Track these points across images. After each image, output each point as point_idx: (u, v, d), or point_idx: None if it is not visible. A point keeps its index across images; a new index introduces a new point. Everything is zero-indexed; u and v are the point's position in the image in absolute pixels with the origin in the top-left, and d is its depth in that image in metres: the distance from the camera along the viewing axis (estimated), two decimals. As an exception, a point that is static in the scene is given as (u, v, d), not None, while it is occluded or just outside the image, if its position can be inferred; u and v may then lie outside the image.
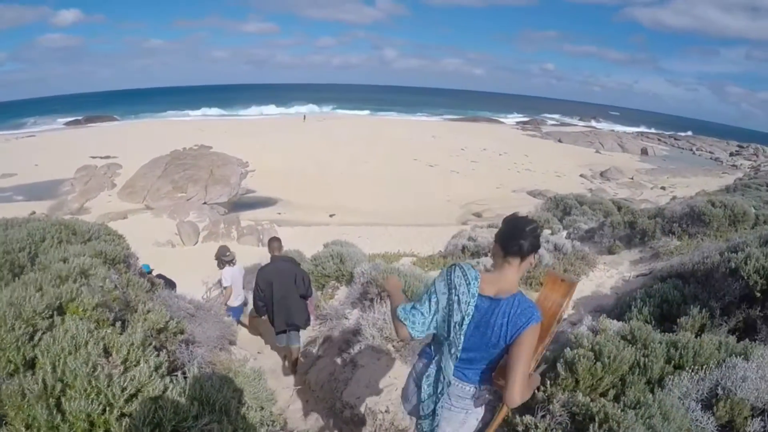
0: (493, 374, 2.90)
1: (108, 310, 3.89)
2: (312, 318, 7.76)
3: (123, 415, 2.88)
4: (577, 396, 3.93)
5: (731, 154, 75.92)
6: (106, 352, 3.24)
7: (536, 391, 4.14)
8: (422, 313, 2.88)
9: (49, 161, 47.34)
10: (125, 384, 2.98)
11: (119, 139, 59.74)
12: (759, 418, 3.65)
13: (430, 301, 2.89)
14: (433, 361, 3.01)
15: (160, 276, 8.07)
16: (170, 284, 8.52)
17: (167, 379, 3.26)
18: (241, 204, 37.38)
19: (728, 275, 6.18)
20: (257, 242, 26.72)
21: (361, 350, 6.35)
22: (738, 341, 4.57)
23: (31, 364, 3.16)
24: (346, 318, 7.65)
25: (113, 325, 3.66)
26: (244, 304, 9.74)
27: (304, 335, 8.22)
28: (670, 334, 4.77)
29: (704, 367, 4.12)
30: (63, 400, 2.78)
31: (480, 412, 3.02)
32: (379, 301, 7.14)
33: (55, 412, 2.73)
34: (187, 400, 3.06)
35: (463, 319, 2.79)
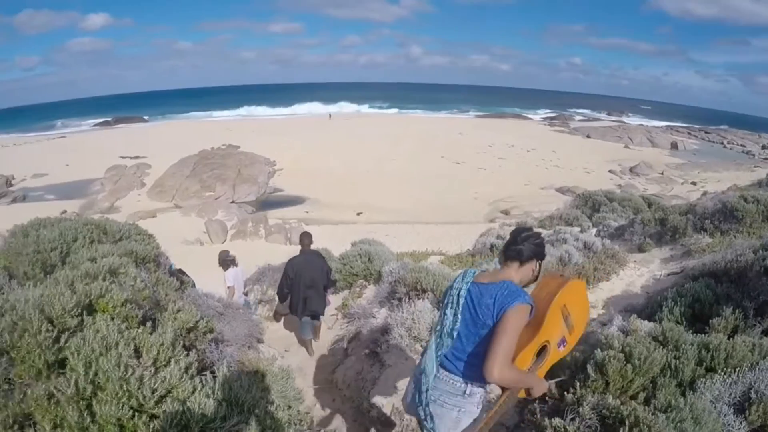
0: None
1: (137, 307, 3.93)
2: (329, 305, 8.37)
3: (152, 417, 2.90)
4: (607, 398, 3.86)
5: (763, 147, 73.80)
6: (137, 353, 3.26)
7: (566, 393, 4.11)
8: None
9: (80, 161, 48.20)
10: (156, 386, 3.00)
11: (148, 140, 60.57)
12: (794, 424, 3.58)
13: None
14: (429, 347, 3.10)
15: (180, 271, 8.16)
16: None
17: (197, 380, 3.28)
18: (268, 203, 37.63)
19: (762, 274, 6.05)
20: (285, 240, 26.85)
21: (389, 349, 6.32)
22: (772, 343, 4.45)
23: (58, 366, 3.19)
24: (374, 317, 7.62)
25: (143, 324, 3.68)
26: (247, 304, 9.75)
27: (331, 334, 8.48)
28: (702, 335, 4.66)
29: (737, 369, 4.03)
30: (94, 402, 2.80)
31: (475, 412, 3.01)
32: (407, 300, 7.12)
33: (85, 414, 2.75)
34: (216, 401, 3.06)
35: (453, 303, 3.02)
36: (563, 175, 47.30)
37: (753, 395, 3.78)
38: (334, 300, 8.90)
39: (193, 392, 3.10)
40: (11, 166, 46.04)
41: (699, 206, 11.32)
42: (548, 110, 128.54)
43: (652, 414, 3.57)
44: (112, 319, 3.51)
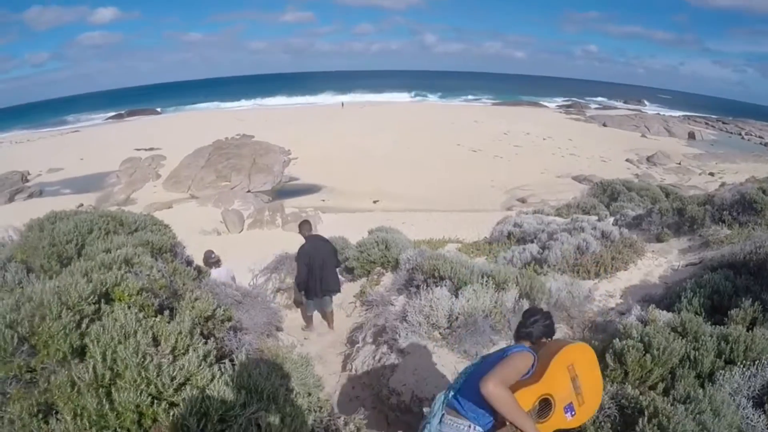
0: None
1: (153, 296, 3.92)
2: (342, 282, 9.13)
3: (171, 404, 2.89)
4: (626, 388, 3.85)
5: (782, 139, 73.19)
6: (155, 341, 3.26)
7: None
8: None
9: (95, 155, 48.52)
10: (174, 373, 2.99)
11: (162, 131, 60.83)
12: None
13: None
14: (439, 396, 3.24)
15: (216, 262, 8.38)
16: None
17: (215, 368, 3.27)
18: (284, 191, 37.71)
19: (782, 267, 6.01)
20: (302, 229, 26.89)
21: (408, 337, 6.29)
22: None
23: (79, 353, 3.19)
24: (393, 304, 7.61)
25: (161, 313, 3.67)
26: None
27: (350, 321, 8.55)
28: (721, 326, 4.63)
29: (756, 362, 3.99)
30: (113, 390, 2.80)
31: None
32: (425, 287, 7.09)
33: (104, 401, 2.75)
34: (235, 389, 3.05)
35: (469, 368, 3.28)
36: (580, 163, 46.99)
37: (772, 389, 3.74)
38: (351, 287, 9.40)
39: (212, 380, 3.09)
40: (26, 161, 46.51)
41: (717, 197, 11.21)
42: (564, 98, 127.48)
43: (671, 405, 3.55)
44: (129, 307, 3.50)
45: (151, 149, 49.75)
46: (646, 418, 3.45)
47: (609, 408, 3.76)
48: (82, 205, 27.34)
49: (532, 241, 11.26)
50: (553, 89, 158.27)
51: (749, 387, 3.86)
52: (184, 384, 3.00)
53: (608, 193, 19.52)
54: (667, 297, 6.58)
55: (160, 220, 6.94)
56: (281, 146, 48.69)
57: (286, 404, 3.22)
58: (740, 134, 76.87)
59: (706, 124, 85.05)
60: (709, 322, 4.88)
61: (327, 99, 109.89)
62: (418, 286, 7.39)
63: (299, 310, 8.82)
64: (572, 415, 3.00)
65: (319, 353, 7.27)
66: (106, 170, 42.66)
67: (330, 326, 8.59)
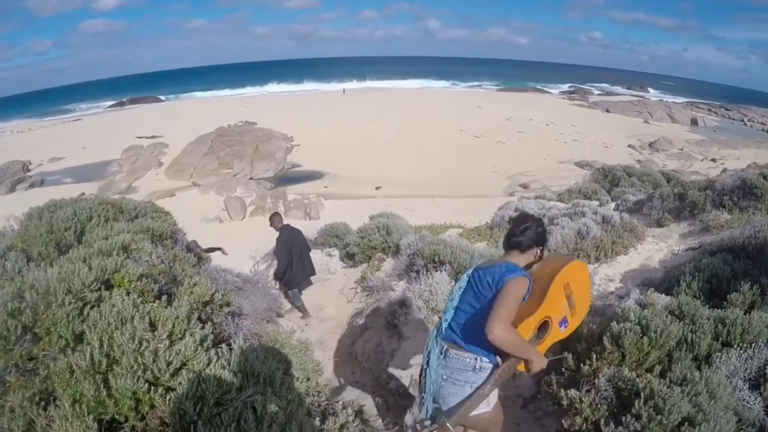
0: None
1: (153, 282, 3.93)
2: None
3: (168, 389, 2.91)
4: (623, 371, 3.86)
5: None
6: (152, 326, 3.27)
7: (582, 364, 4.10)
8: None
9: (96, 143, 48.55)
10: (171, 358, 3.00)
11: (164, 119, 60.76)
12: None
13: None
14: (431, 334, 3.32)
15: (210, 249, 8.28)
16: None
17: (212, 352, 3.28)
18: (287, 178, 37.74)
19: (781, 251, 6.02)
20: (304, 216, 27.03)
21: (408, 322, 6.33)
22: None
23: (80, 339, 3.21)
24: (393, 290, 7.63)
25: (159, 298, 3.68)
26: None
27: (350, 307, 8.50)
28: (719, 310, 4.63)
29: (753, 345, 4.01)
30: (110, 376, 2.81)
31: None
32: (425, 272, 7.12)
33: (102, 387, 2.77)
34: (231, 373, 3.06)
35: (458, 287, 3.22)
36: (582, 149, 46.92)
37: (768, 371, 3.75)
38: (352, 273, 9.85)
39: (208, 364, 3.10)
40: (28, 151, 46.59)
41: (718, 183, 11.19)
42: (567, 84, 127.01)
43: (668, 387, 3.56)
44: (128, 293, 3.51)
45: (153, 137, 49.70)
46: (642, 400, 3.46)
47: (606, 390, 3.78)
48: (83, 194, 27.33)
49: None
50: (556, 75, 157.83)
51: (746, 369, 3.88)
52: (180, 369, 3.01)
53: (610, 179, 19.52)
54: (666, 281, 6.59)
55: (160, 207, 6.95)
56: (284, 133, 48.67)
57: (283, 388, 3.23)
58: (743, 120, 76.63)
59: (709, 110, 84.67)
60: (708, 306, 4.89)
61: (330, 86, 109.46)
62: (418, 272, 7.41)
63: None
64: (565, 327, 3.19)
65: (319, 339, 7.29)
66: (107, 159, 42.68)
67: (306, 314, 8.70)
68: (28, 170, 41.83)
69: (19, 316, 3.16)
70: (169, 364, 2.97)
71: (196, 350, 3.16)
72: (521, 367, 3.03)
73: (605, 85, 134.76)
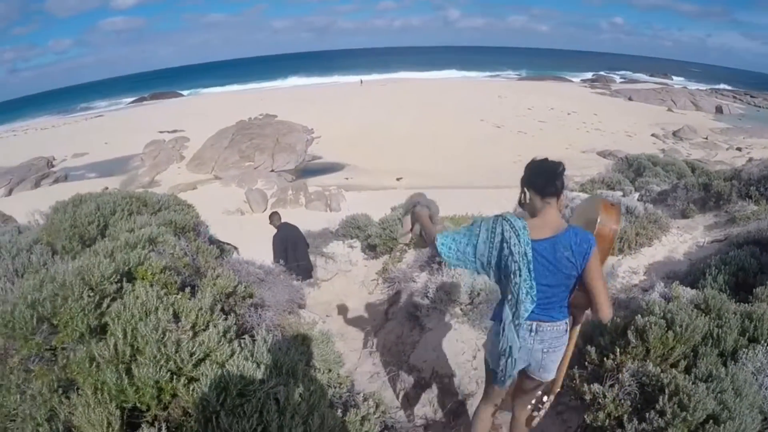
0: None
1: (176, 274, 3.96)
2: None
3: (191, 380, 2.93)
4: (647, 365, 3.81)
5: (813, 114, 71.23)
6: (176, 317, 3.30)
7: (606, 359, 4.07)
8: (456, 242, 3.09)
9: (118, 139, 49.10)
10: (194, 349, 3.03)
11: (184, 113, 61.29)
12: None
13: (469, 240, 3.07)
14: (505, 322, 3.03)
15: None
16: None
17: (235, 343, 3.30)
18: (308, 170, 37.85)
19: (809, 244, 5.90)
20: (325, 207, 27.10)
21: (429, 313, 6.31)
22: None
23: (99, 331, 3.24)
24: (414, 281, 7.61)
25: (182, 290, 3.71)
26: None
27: (372, 298, 8.59)
28: (746, 304, 4.54)
29: (780, 341, 3.93)
30: (133, 366, 2.84)
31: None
32: (447, 263, 7.10)
33: (123, 376, 2.79)
34: (254, 364, 3.07)
35: (520, 269, 2.87)
36: (604, 138, 46.36)
37: (796, 369, 3.69)
38: (373, 264, 9.95)
39: (231, 355, 3.12)
40: (51, 147, 47.30)
41: (744, 172, 10.95)
42: (589, 72, 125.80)
43: (693, 383, 3.50)
44: (151, 285, 3.54)
45: (175, 131, 50.10)
46: (666, 396, 3.42)
47: (629, 385, 3.75)
48: (107, 188, 27.57)
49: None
50: (578, 63, 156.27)
51: (773, 366, 3.80)
52: (203, 359, 3.04)
53: (633, 168, 19.25)
54: (691, 274, 6.48)
55: (183, 200, 6.98)
56: (304, 125, 48.77)
57: (305, 379, 3.25)
58: (769, 108, 75.21)
59: (734, 97, 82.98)
60: (734, 300, 4.79)
61: (349, 78, 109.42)
62: (440, 263, 7.37)
63: (320, 288, 8.93)
64: None
65: (341, 330, 7.31)
66: (130, 153, 43.17)
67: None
68: (52, 166, 42.41)
69: (39, 307, 3.19)
70: (192, 354, 2.99)
71: (219, 341, 3.18)
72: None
73: (627, 72, 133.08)
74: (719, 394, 3.38)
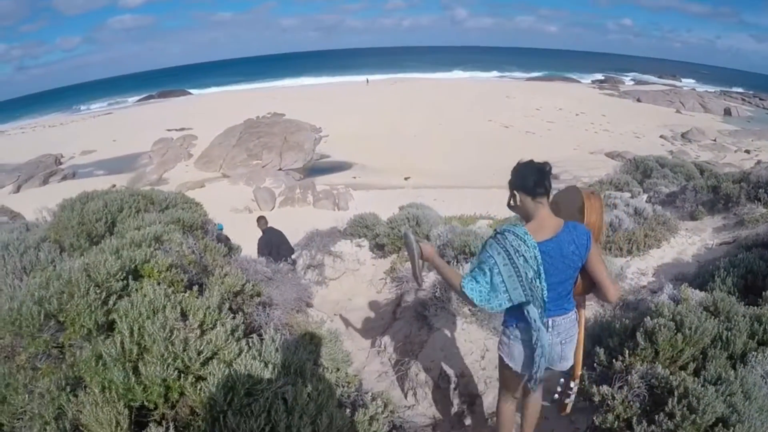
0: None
1: (182, 271, 3.95)
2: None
3: (198, 378, 2.92)
4: (656, 368, 3.80)
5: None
6: (183, 316, 3.29)
7: (614, 360, 4.06)
8: (482, 284, 2.97)
9: (127, 136, 49.36)
10: (201, 347, 3.02)
11: (192, 112, 61.48)
12: None
13: (491, 273, 2.96)
14: (528, 324, 3.05)
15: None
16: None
17: (243, 342, 3.29)
18: (316, 169, 37.91)
19: (818, 247, 5.86)
20: (333, 206, 27.12)
21: (437, 313, 6.29)
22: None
23: (106, 328, 3.23)
24: (423, 280, 7.60)
25: (189, 288, 3.70)
26: None
27: (380, 297, 8.53)
28: (755, 307, 4.53)
29: (790, 345, 3.90)
30: (140, 364, 2.84)
31: None
32: (455, 263, 7.08)
33: (131, 374, 2.79)
34: (262, 363, 3.07)
35: (536, 270, 2.91)
36: (613, 139, 46.23)
37: (806, 373, 3.66)
38: (381, 263, 9.87)
39: (239, 354, 3.12)
40: (60, 144, 47.63)
41: (753, 175, 10.93)
42: (598, 73, 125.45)
43: (702, 386, 3.47)
44: (158, 283, 3.54)
45: (183, 129, 50.33)
46: (675, 399, 3.40)
47: (638, 387, 3.72)
48: (115, 186, 27.74)
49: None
50: (586, 64, 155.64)
51: (782, 370, 3.78)
52: (211, 358, 3.04)
53: (641, 170, 19.19)
54: (700, 276, 6.45)
55: (191, 198, 6.99)
56: (312, 124, 48.82)
57: (314, 378, 3.24)
58: (778, 110, 74.72)
59: (743, 100, 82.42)
60: (743, 302, 4.78)
61: (357, 77, 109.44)
62: (448, 262, 7.35)
63: (328, 286, 8.91)
64: None
65: (348, 329, 7.30)
66: (138, 151, 43.38)
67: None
68: (60, 163, 42.63)
69: (46, 304, 3.19)
70: (199, 353, 2.99)
71: (227, 340, 3.18)
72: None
73: (636, 73, 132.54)
74: (728, 397, 3.36)
